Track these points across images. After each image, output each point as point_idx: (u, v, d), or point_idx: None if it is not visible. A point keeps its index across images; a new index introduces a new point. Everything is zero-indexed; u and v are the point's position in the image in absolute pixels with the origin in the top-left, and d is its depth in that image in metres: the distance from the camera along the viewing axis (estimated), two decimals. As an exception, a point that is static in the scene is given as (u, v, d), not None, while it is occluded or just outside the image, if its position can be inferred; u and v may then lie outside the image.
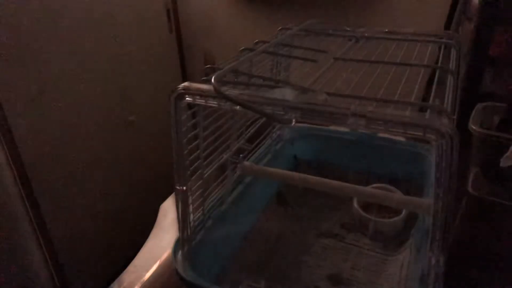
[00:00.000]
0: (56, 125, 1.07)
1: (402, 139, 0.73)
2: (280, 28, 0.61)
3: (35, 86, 1.00)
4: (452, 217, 0.35)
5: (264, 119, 0.63)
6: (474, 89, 0.91)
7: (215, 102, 0.40)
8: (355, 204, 0.67)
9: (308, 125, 0.79)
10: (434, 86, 0.43)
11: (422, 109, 0.35)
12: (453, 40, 0.56)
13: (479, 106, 0.72)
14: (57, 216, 1.06)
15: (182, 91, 0.40)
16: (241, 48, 0.50)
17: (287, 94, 0.37)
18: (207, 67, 0.44)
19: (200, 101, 0.40)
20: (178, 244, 0.49)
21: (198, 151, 0.48)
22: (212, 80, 0.36)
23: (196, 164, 0.49)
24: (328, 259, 0.61)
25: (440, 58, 0.53)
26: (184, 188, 0.46)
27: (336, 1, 1.26)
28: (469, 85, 0.90)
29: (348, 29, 0.62)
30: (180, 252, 0.48)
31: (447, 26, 1.05)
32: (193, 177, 0.49)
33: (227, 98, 0.36)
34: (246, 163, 0.59)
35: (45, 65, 1.02)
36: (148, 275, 0.59)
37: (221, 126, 0.55)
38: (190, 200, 0.48)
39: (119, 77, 1.26)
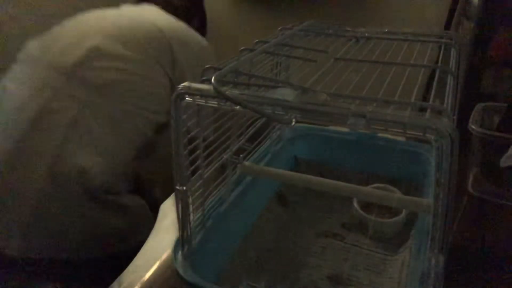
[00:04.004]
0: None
1: (402, 139, 0.73)
2: (280, 28, 0.61)
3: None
4: (452, 217, 0.35)
5: (264, 119, 0.63)
6: (474, 89, 0.91)
7: (215, 102, 0.40)
8: (355, 204, 0.67)
9: (308, 125, 0.79)
10: (434, 86, 0.43)
11: (422, 109, 0.35)
12: (453, 40, 0.56)
13: (479, 106, 0.72)
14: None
15: (182, 91, 0.40)
16: (241, 48, 0.50)
17: (287, 94, 0.37)
18: (207, 67, 0.44)
19: (200, 101, 0.40)
20: (178, 244, 0.49)
21: (198, 151, 0.48)
22: (212, 80, 0.36)
23: (196, 164, 0.49)
24: (328, 259, 0.61)
25: (440, 58, 0.53)
26: (184, 188, 0.46)
27: (336, 1, 1.26)
28: (469, 85, 0.90)
29: (348, 29, 0.62)
30: (180, 252, 0.48)
31: (447, 26, 1.06)
32: (193, 177, 0.49)
33: (227, 98, 0.36)
34: (246, 163, 0.59)
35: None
36: (148, 275, 0.59)
37: (221, 126, 0.55)
38: (190, 200, 0.48)
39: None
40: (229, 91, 0.37)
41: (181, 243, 0.49)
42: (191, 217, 0.49)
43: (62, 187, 0.72)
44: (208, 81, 0.40)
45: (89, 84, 0.75)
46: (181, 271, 0.45)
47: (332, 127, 0.78)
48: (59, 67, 0.75)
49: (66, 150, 0.72)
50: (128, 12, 0.90)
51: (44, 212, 0.71)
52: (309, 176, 0.56)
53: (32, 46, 0.82)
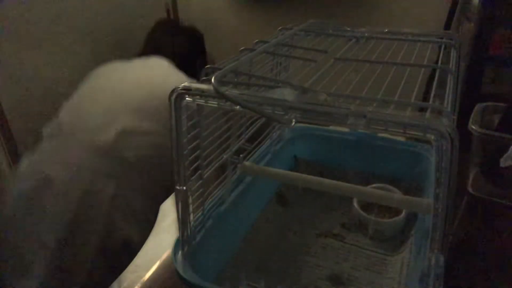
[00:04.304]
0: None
1: (402, 139, 0.73)
2: (280, 28, 0.61)
3: (35, 87, 1.00)
4: (452, 217, 0.35)
5: (264, 119, 0.63)
6: (474, 89, 0.91)
7: (215, 102, 0.40)
8: (355, 204, 0.67)
9: (308, 125, 0.79)
10: (434, 86, 0.43)
11: (422, 109, 0.35)
12: (453, 40, 0.56)
13: (479, 106, 0.72)
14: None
15: (182, 91, 0.40)
16: (241, 48, 0.50)
17: (287, 94, 0.37)
18: (207, 67, 0.44)
19: (200, 101, 0.40)
20: (178, 244, 0.49)
21: (198, 151, 0.48)
22: (212, 80, 0.36)
23: (196, 164, 0.49)
24: (328, 259, 0.61)
25: (440, 58, 0.53)
26: (184, 188, 0.46)
27: (336, 1, 1.26)
28: (469, 85, 0.90)
29: (348, 29, 0.62)
30: (180, 252, 0.48)
31: (447, 26, 1.06)
32: (193, 177, 0.49)
33: (227, 98, 0.36)
34: (246, 163, 0.59)
35: (45, 65, 1.02)
36: (148, 275, 0.60)
37: (221, 126, 0.55)
38: (190, 200, 0.48)
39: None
40: (229, 91, 0.37)
41: (181, 243, 0.49)
42: (191, 217, 0.49)
43: (110, 259, 0.76)
44: (208, 81, 0.40)
45: (124, 161, 0.80)
46: (181, 271, 0.45)
47: (332, 127, 0.78)
48: (95, 147, 0.79)
49: (111, 225, 0.76)
50: (144, 76, 0.92)
51: (94, 284, 0.75)
52: (309, 176, 0.56)
53: (61, 120, 0.85)
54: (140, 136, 0.82)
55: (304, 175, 0.57)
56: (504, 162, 0.60)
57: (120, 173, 0.79)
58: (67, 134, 0.82)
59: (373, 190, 0.55)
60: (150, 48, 1.06)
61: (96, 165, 0.78)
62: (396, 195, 0.52)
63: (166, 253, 0.63)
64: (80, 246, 0.74)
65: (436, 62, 0.52)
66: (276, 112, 0.37)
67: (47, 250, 0.73)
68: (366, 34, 0.58)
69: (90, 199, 0.76)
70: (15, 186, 0.79)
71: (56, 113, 0.88)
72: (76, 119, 0.84)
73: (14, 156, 0.97)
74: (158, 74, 0.95)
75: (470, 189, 0.63)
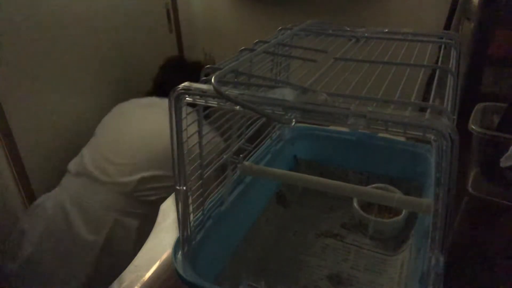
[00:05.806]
0: (57, 128, 1.07)
1: (402, 139, 0.73)
2: (280, 28, 0.61)
3: (35, 87, 1.00)
4: (452, 217, 0.35)
5: (264, 119, 0.63)
6: (474, 89, 0.91)
7: (215, 102, 0.40)
8: (355, 204, 0.67)
9: (308, 125, 0.79)
10: (434, 86, 0.43)
11: (422, 109, 0.35)
12: (453, 40, 0.56)
13: (479, 106, 0.72)
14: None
15: (182, 91, 0.40)
16: (241, 48, 0.50)
17: (287, 94, 0.37)
18: (207, 67, 0.44)
19: (200, 101, 0.40)
20: (178, 244, 0.49)
21: (198, 151, 0.48)
22: (212, 80, 0.36)
23: (196, 164, 0.49)
24: (328, 259, 0.61)
25: (440, 58, 0.53)
26: (184, 188, 0.46)
27: (336, 1, 1.26)
28: (469, 85, 0.90)
29: (348, 29, 0.62)
30: (180, 252, 0.48)
31: (447, 26, 1.05)
32: (193, 177, 0.49)
33: (227, 98, 0.36)
34: (246, 163, 0.59)
35: (45, 66, 1.02)
36: (148, 275, 0.59)
37: (221, 126, 0.55)
38: (190, 200, 0.48)
39: (119, 77, 1.26)
40: (229, 91, 0.37)
41: (181, 243, 0.49)
42: (191, 217, 0.49)
43: None
44: (208, 81, 0.40)
45: (145, 202, 0.95)
46: (181, 271, 0.45)
47: (332, 127, 0.78)
48: (121, 190, 0.93)
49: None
50: (159, 128, 0.99)
51: None
52: (309, 176, 0.56)
53: (86, 160, 0.97)
54: (157, 182, 0.95)
55: (304, 175, 0.57)
56: (504, 162, 0.60)
57: (143, 211, 0.92)
58: (92, 174, 0.94)
59: (373, 190, 0.55)
60: (159, 84, 1.19)
61: (123, 204, 0.92)
62: (396, 195, 0.52)
63: (166, 253, 0.63)
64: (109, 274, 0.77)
65: (436, 62, 0.52)
66: (276, 112, 0.37)
67: (78, 281, 0.84)
68: (366, 34, 0.58)
69: (119, 232, 0.89)
70: (40, 217, 0.90)
71: (81, 151, 1.01)
72: (101, 164, 0.96)
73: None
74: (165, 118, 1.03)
75: (470, 189, 0.63)
